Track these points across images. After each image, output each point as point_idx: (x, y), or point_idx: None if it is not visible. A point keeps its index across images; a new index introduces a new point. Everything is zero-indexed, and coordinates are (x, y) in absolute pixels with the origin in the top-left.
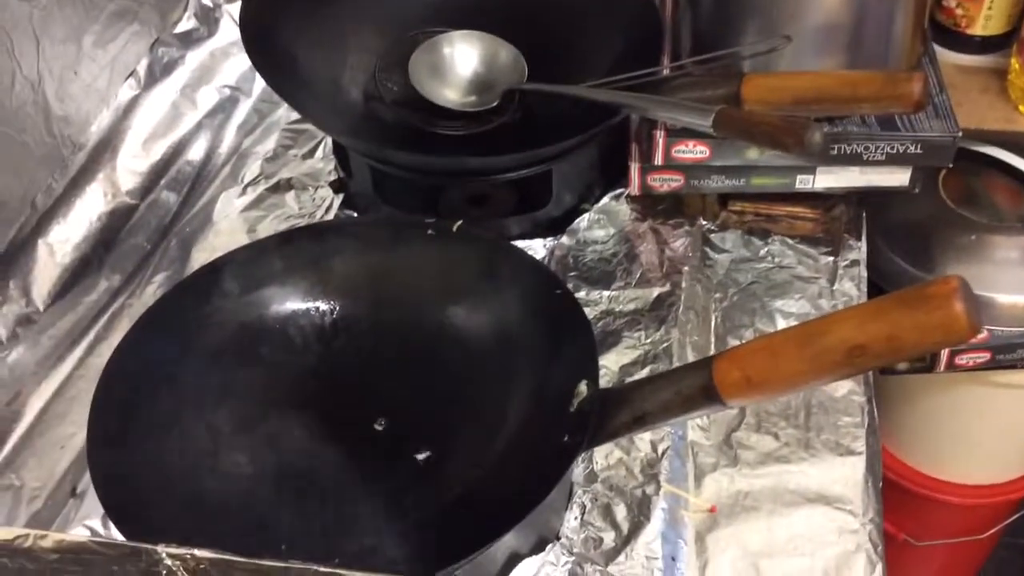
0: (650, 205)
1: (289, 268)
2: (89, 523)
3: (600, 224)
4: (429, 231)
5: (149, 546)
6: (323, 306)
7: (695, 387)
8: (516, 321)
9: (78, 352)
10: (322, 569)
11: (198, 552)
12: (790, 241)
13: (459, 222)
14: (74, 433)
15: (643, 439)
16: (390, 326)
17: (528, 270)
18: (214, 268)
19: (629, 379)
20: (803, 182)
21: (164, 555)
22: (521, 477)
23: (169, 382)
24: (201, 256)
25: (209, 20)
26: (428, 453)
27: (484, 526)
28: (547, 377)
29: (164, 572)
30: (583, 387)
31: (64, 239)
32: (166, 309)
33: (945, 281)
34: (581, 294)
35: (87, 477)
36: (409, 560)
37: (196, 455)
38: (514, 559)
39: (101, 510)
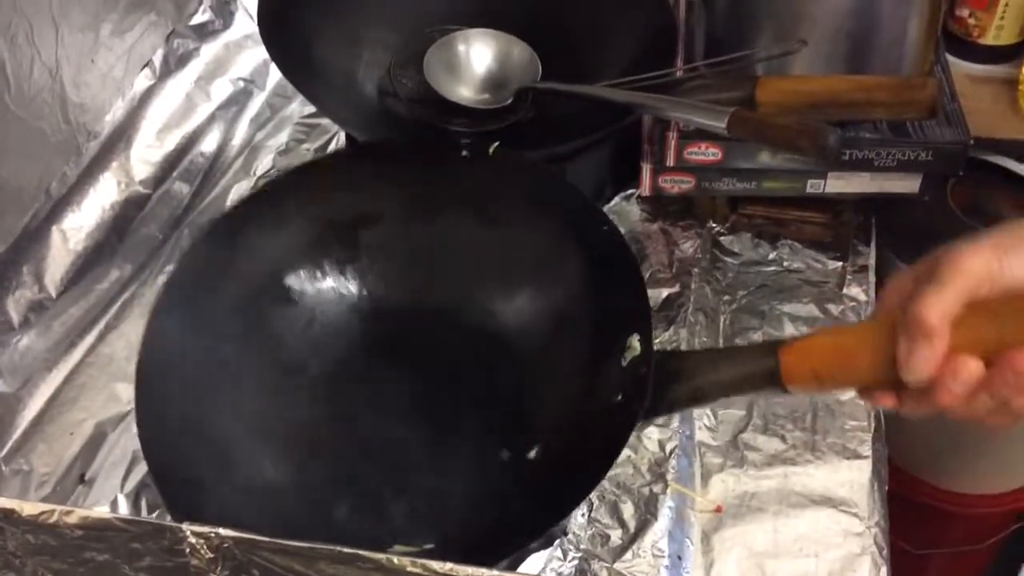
0: (661, 206)
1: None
2: (98, 510)
3: None
4: (464, 152)
5: (173, 524)
6: (360, 259)
7: (760, 372)
8: (557, 247)
9: (89, 339)
10: (344, 550)
11: (222, 531)
12: (799, 245)
13: (496, 144)
14: (84, 419)
15: (651, 438)
16: (428, 251)
17: (570, 196)
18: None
19: None
20: (814, 186)
21: (188, 533)
22: (580, 445)
23: (208, 347)
24: None
25: (224, 13)
26: (482, 423)
27: (550, 500)
28: (593, 318)
29: (187, 550)
30: (635, 342)
31: (78, 227)
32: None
33: None
34: None
35: (96, 464)
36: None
37: (244, 427)
38: (522, 552)
39: (110, 497)
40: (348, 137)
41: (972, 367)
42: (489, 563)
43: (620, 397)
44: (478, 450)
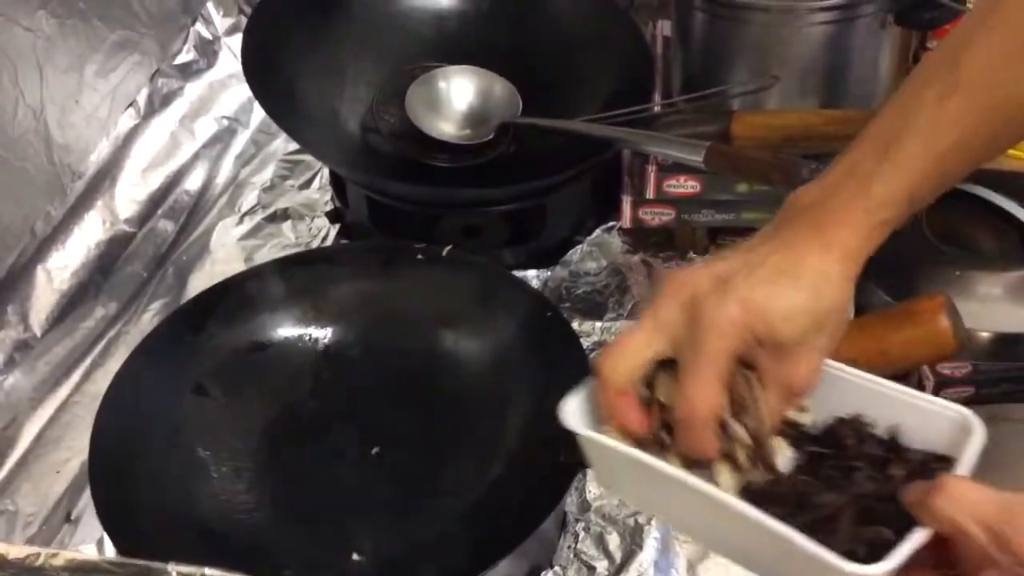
0: (641, 238)
1: (284, 294)
2: (84, 549)
3: (592, 256)
4: (419, 256)
5: (159, 564)
6: (317, 332)
7: None
8: (508, 343)
9: (74, 378)
10: None
11: (208, 570)
12: None
13: (449, 247)
14: (69, 459)
15: None
16: (384, 351)
17: (518, 292)
18: (211, 294)
19: None
20: None
21: (174, 573)
22: (520, 499)
23: (167, 409)
24: (198, 284)
25: (208, 52)
26: (425, 478)
27: (484, 549)
28: (541, 398)
29: None
30: None
31: (62, 266)
32: (164, 336)
33: (931, 298)
34: (574, 325)
35: (82, 503)
36: None
37: (194, 481)
38: None
39: (96, 536)
40: (332, 174)
41: None
42: None
43: (563, 458)
44: (417, 511)
